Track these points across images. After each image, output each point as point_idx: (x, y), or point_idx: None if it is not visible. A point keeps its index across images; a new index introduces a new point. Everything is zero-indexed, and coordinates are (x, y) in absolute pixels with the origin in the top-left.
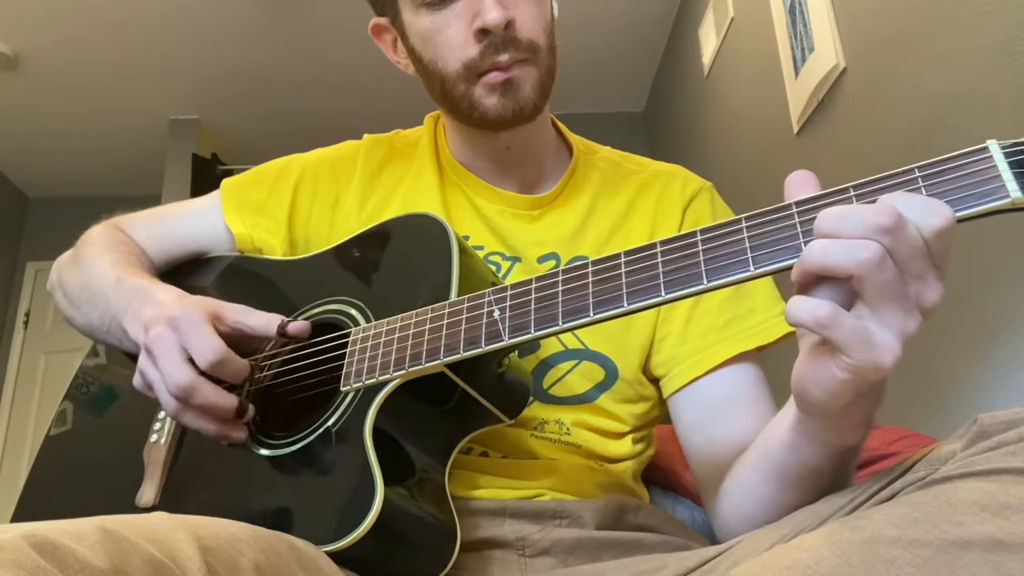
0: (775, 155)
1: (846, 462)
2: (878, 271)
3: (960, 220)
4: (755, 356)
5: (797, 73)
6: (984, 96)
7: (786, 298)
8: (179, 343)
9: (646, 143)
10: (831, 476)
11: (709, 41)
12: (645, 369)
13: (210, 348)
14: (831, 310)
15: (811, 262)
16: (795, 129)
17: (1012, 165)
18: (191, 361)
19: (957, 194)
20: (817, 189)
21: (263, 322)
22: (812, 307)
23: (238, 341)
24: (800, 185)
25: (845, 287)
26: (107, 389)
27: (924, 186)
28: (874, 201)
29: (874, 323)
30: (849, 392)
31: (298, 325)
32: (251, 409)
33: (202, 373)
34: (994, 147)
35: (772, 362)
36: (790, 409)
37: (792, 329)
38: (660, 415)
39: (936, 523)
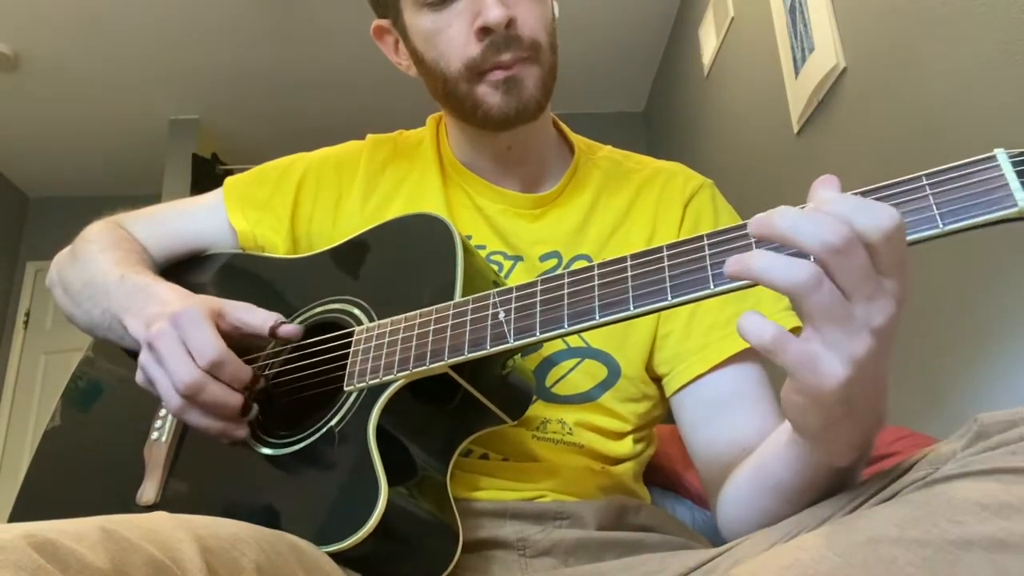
0: (775, 155)
1: (843, 482)
2: (815, 293)
3: (967, 229)
4: (758, 355)
5: (797, 73)
6: (984, 96)
7: None
8: (180, 339)
9: (646, 143)
10: (829, 491)
11: (709, 41)
12: (648, 367)
13: (210, 347)
14: (776, 333)
15: (754, 274)
16: (795, 129)
17: (1020, 175)
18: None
19: (964, 202)
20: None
21: (260, 320)
22: (759, 329)
23: (241, 341)
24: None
25: None
26: (107, 388)
27: (932, 194)
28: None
29: (820, 345)
30: (814, 415)
31: (289, 328)
32: (255, 408)
33: None
34: (1002, 156)
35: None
36: (786, 425)
37: (797, 323)
38: (662, 414)
39: (937, 523)
